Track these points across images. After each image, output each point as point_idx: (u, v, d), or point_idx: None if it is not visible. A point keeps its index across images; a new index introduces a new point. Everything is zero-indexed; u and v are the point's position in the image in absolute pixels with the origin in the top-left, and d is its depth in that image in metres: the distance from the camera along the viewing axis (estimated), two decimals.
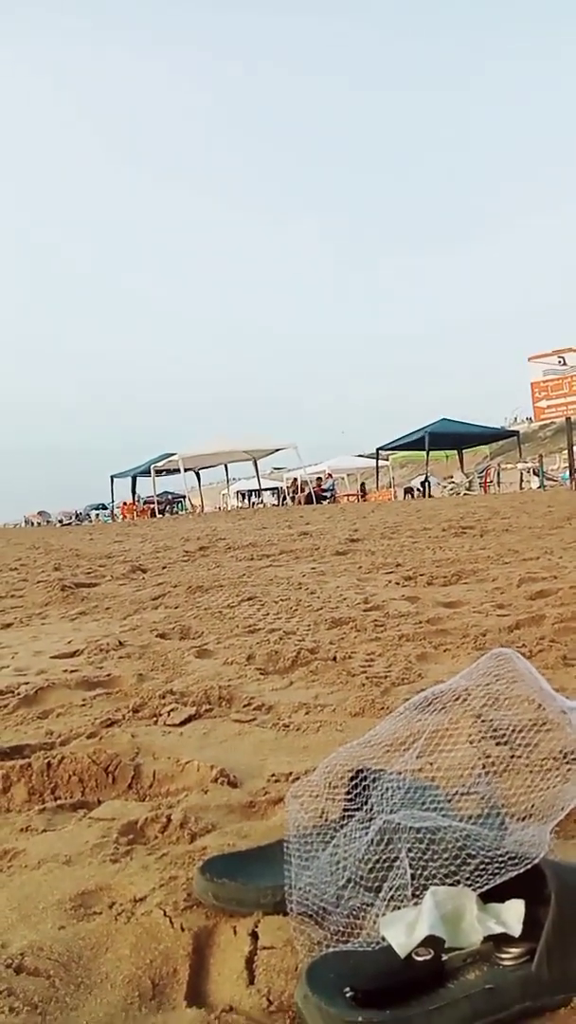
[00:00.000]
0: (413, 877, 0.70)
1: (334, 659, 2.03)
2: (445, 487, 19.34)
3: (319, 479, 21.96)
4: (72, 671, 2.10)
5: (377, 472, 23.02)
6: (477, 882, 0.69)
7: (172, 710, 1.63)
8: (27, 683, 1.96)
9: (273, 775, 1.23)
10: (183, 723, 1.57)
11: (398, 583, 3.36)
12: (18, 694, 1.84)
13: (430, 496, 18.27)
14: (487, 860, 0.69)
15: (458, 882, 0.70)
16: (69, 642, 2.55)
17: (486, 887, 0.68)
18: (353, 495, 23.85)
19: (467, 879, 0.70)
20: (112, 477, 24.34)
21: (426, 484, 19.51)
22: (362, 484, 21.91)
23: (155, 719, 1.60)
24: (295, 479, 21.16)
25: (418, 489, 20.93)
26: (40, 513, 30.74)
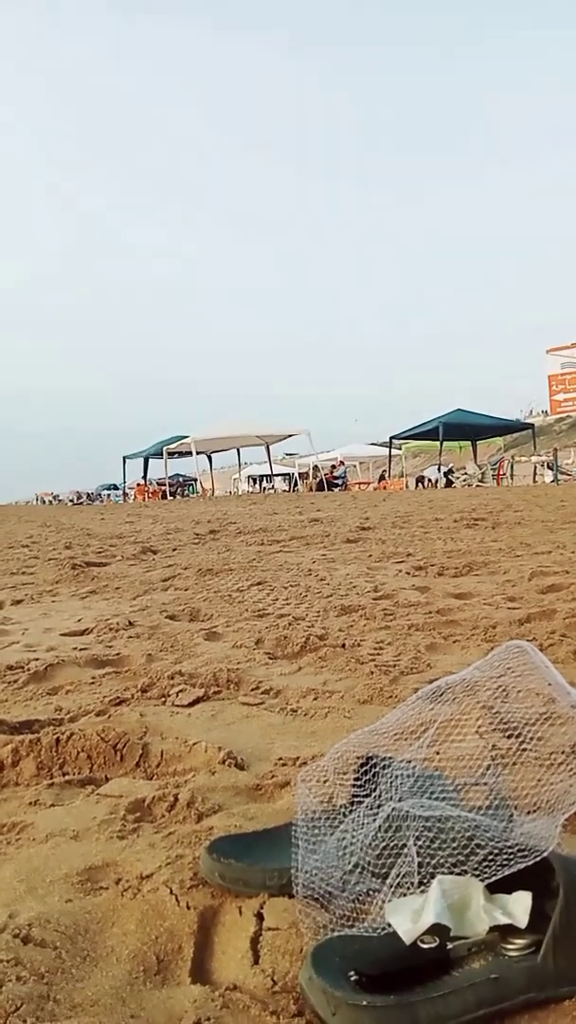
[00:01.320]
0: (420, 865, 0.70)
1: (343, 646, 2.03)
2: (458, 477, 19.24)
3: (331, 466, 21.91)
4: (82, 649, 2.11)
5: (390, 461, 22.92)
6: (484, 872, 0.69)
7: (181, 691, 1.64)
8: (37, 659, 1.97)
9: (280, 759, 1.23)
10: (191, 704, 1.57)
11: (409, 573, 3.35)
12: (28, 670, 1.85)
13: (449, 486, 18.19)
14: (495, 851, 0.69)
15: (465, 872, 0.70)
16: (79, 620, 2.57)
17: (493, 878, 0.68)
18: (365, 483, 23.79)
19: (474, 869, 0.70)
20: (124, 458, 24.39)
21: (449, 473, 19.36)
22: (382, 472, 21.81)
23: (163, 699, 1.60)
24: (315, 465, 21.12)
25: (430, 480, 20.85)
26: (54, 496, 30.88)
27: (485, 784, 0.90)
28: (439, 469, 20.41)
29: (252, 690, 1.67)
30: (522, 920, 0.66)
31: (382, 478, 21.40)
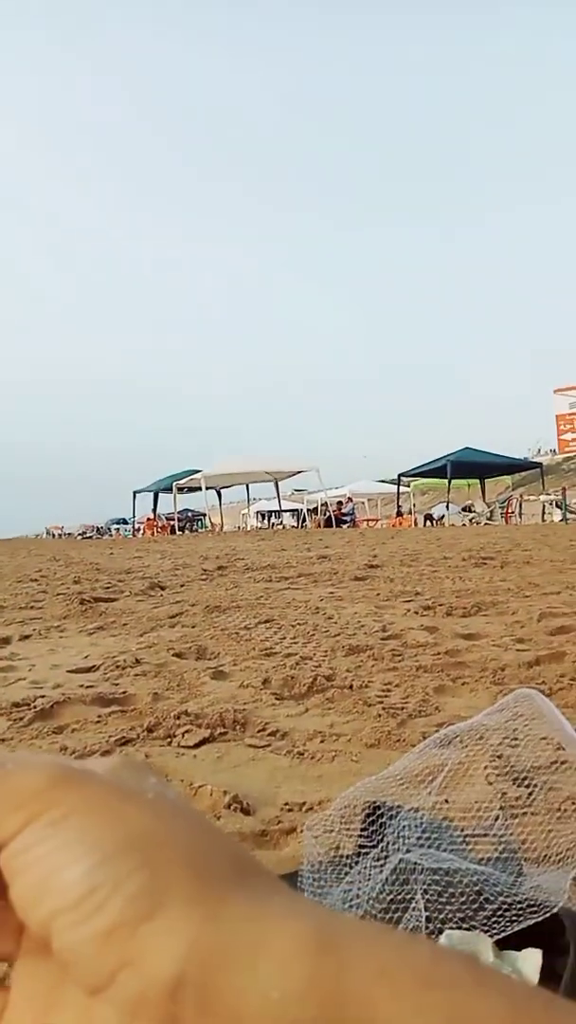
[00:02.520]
0: (428, 919, 0.69)
1: (350, 687, 2.02)
2: (465, 516, 19.20)
3: (339, 503, 21.95)
4: (88, 686, 2.11)
5: (398, 498, 22.95)
6: (493, 928, 0.68)
7: (187, 732, 1.63)
8: (43, 696, 1.96)
9: (287, 804, 1.22)
10: (197, 745, 1.56)
11: (417, 612, 3.34)
12: (34, 707, 1.85)
13: (462, 524, 18.16)
14: (504, 906, 0.68)
15: (474, 927, 0.69)
16: (86, 657, 2.57)
17: (503, 934, 0.67)
18: (373, 519, 23.78)
19: (483, 924, 0.68)
20: (134, 492, 24.53)
21: (468, 511, 19.24)
22: (399, 508, 21.78)
23: (169, 740, 1.59)
24: (324, 502, 21.22)
25: (437, 518, 20.80)
26: (62, 530, 31.01)
27: (494, 835, 0.89)
28: (447, 507, 20.41)
29: (259, 731, 1.66)
30: (532, 979, 0.64)
31: (400, 513, 21.29)
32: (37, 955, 0.21)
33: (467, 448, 20.81)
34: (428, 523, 19.89)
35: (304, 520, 23.20)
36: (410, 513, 22.23)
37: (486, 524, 17.06)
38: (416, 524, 19.71)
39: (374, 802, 0.85)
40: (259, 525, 25.00)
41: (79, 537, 25.97)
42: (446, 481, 20.28)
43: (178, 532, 21.08)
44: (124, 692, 2.02)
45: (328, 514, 20.13)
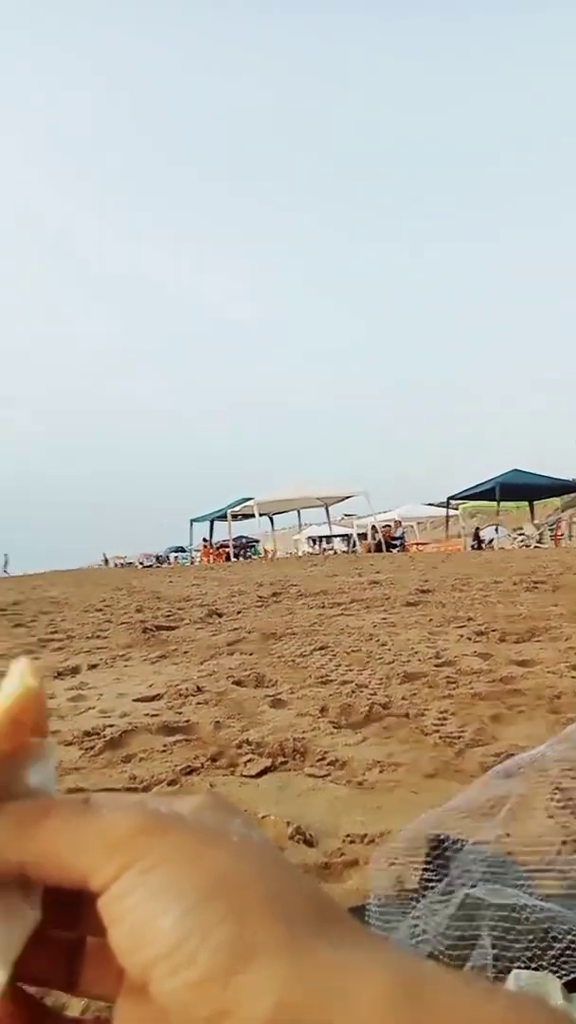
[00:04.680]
0: (496, 958, 0.71)
1: (407, 716, 2.03)
2: (515, 539, 18.82)
3: (387, 527, 21.80)
4: (153, 715, 2.17)
5: (447, 521, 22.71)
6: (562, 968, 0.68)
7: (248, 760, 1.67)
8: (112, 725, 2.03)
9: (348, 836, 1.24)
10: (259, 775, 1.60)
11: (470, 638, 3.31)
12: (104, 736, 1.91)
13: (512, 547, 17.82)
14: (574, 945, 0.69)
15: (542, 966, 0.69)
16: (150, 685, 2.63)
17: (572, 975, 0.67)
18: (423, 543, 23.50)
19: (551, 964, 0.69)
20: (192, 521, 24.97)
21: (521, 533, 18.76)
22: (476, 529, 21.22)
23: (232, 769, 1.63)
24: (373, 526, 21.12)
25: (486, 541, 20.44)
26: (123, 560, 31.54)
27: (558, 870, 0.89)
28: (496, 529, 20.08)
29: (318, 761, 1.69)
30: None
31: (477, 538, 20.45)
32: (136, 996, 0.22)
33: (515, 470, 20.49)
34: (476, 544, 19.51)
35: (354, 544, 23.12)
36: (459, 536, 21.86)
37: (535, 547, 16.70)
38: (465, 548, 19.37)
39: (438, 835, 0.87)
40: (310, 550, 24.99)
41: (140, 566, 26.42)
42: (495, 503, 19.97)
43: (233, 559, 21.25)
44: (187, 720, 2.07)
45: (378, 538, 20.00)
